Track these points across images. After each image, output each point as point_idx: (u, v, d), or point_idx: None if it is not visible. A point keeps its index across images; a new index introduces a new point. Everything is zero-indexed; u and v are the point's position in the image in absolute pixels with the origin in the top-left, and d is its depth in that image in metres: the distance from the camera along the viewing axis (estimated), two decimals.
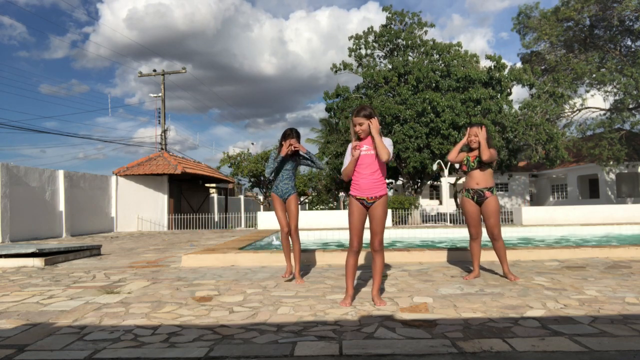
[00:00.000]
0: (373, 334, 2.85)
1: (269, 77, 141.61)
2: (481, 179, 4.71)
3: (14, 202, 12.30)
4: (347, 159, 3.69)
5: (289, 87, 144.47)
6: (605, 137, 24.26)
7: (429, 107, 18.33)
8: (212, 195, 26.21)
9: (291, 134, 4.90)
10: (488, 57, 20.06)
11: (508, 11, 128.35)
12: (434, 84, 19.37)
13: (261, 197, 27.23)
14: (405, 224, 17.33)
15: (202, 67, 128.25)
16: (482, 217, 4.78)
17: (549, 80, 22.63)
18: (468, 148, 4.86)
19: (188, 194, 21.33)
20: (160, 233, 15.73)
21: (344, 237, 8.65)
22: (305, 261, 6.11)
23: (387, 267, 5.70)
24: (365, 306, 3.58)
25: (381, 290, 4.22)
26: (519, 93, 77.78)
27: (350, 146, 3.69)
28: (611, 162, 24.70)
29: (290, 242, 5.07)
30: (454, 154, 4.86)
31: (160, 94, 24.61)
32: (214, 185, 25.13)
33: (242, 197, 32.97)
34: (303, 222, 13.96)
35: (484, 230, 4.85)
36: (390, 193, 29.45)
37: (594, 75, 23.92)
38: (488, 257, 5.74)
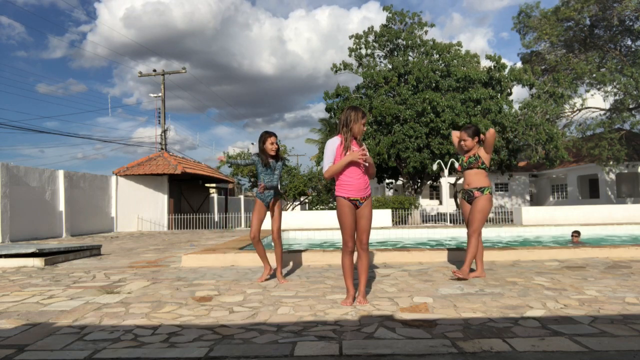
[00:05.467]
0: (373, 334, 2.85)
1: (268, 76, 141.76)
2: (472, 179, 4.78)
3: (14, 202, 12.29)
4: (330, 159, 3.69)
5: (287, 86, 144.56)
6: (605, 137, 24.23)
7: (429, 107, 18.32)
8: (212, 195, 26.20)
9: (272, 134, 4.89)
10: (488, 57, 20.06)
11: (508, 10, 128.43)
12: (434, 84, 19.36)
13: None
14: (405, 224, 17.33)
15: (201, 66, 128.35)
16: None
17: (549, 80, 22.59)
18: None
19: (188, 194, 21.32)
20: (160, 233, 15.72)
21: None
22: (305, 261, 6.11)
23: (387, 267, 5.70)
24: (365, 306, 3.58)
25: (381, 290, 4.22)
26: (519, 93, 77.78)
27: (335, 145, 3.68)
28: (611, 162, 24.68)
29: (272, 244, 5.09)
30: (456, 141, 5.03)
31: (160, 94, 24.60)
32: (214, 185, 25.12)
33: (242, 197, 32.96)
34: (303, 222, 13.97)
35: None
36: (390, 193, 29.44)
37: (594, 75, 23.89)
38: (488, 257, 5.75)
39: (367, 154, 3.66)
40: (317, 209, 24.17)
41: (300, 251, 6.34)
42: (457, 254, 6.18)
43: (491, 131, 4.70)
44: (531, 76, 20.78)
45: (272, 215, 4.99)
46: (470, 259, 4.68)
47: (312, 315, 3.33)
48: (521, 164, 31.27)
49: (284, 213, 16.61)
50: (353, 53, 21.89)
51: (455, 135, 5.08)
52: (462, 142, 4.81)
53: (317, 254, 6.22)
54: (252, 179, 28.49)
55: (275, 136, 4.92)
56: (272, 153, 4.86)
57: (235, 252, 6.34)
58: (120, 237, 13.72)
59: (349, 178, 3.67)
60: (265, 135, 4.88)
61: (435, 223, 18.90)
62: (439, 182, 29.99)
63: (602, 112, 26.81)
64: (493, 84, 19.69)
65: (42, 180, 13.73)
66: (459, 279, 4.57)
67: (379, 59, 22.25)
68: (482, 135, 4.84)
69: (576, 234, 8.93)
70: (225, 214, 22.64)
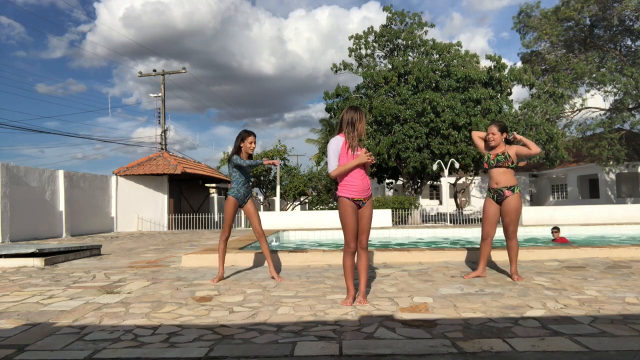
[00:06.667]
0: (373, 334, 2.85)
1: (267, 76, 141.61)
2: (501, 178, 4.68)
3: (14, 202, 12.29)
4: (335, 158, 3.68)
5: (287, 86, 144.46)
6: (605, 137, 24.22)
7: (429, 107, 18.32)
8: (212, 195, 26.20)
9: (251, 133, 4.99)
10: (488, 57, 20.05)
11: (508, 10, 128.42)
12: (434, 84, 19.35)
13: (261, 197, 27.23)
14: (405, 224, 17.33)
15: (201, 66, 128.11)
16: (500, 215, 4.75)
17: (549, 80, 22.59)
18: (490, 147, 4.85)
19: (188, 194, 21.32)
20: (160, 233, 15.72)
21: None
22: (305, 261, 6.11)
23: (387, 267, 5.70)
24: (365, 306, 3.58)
25: (381, 290, 4.22)
26: (519, 93, 77.60)
27: (339, 145, 3.67)
28: (611, 162, 24.68)
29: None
30: (477, 141, 4.98)
31: (160, 94, 24.59)
32: (214, 185, 25.12)
33: None
34: (303, 222, 13.97)
35: (499, 230, 4.81)
36: (390, 193, 29.44)
37: (594, 75, 23.89)
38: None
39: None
40: (317, 209, 24.18)
41: (300, 251, 6.34)
42: (457, 254, 6.17)
43: (538, 150, 4.72)
44: (531, 76, 20.77)
45: (252, 215, 5.03)
46: (516, 260, 4.70)
47: (312, 315, 3.34)
48: (521, 164, 31.24)
49: (283, 213, 16.63)
50: (353, 53, 21.89)
51: (476, 135, 5.00)
52: (491, 136, 4.72)
53: (317, 254, 6.23)
54: (252, 179, 28.48)
55: (255, 136, 5.00)
56: (251, 152, 4.99)
57: (235, 252, 6.34)
58: (120, 237, 13.72)
59: (353, 179, 3.67)
60: (244, 134, 4.95)
61: (435, 223, 18.90)
62: (439, 182, 29.98)
63: (602, 112, 26.81)
64: (493, 84, 19.69)
65: (42, 180, 13.73)
66: (515, 280, 4.58)
67: (379, 59, 22.25)
68: (506, 134, 4.80)
69: (556, 230, 9.04)
70: None
